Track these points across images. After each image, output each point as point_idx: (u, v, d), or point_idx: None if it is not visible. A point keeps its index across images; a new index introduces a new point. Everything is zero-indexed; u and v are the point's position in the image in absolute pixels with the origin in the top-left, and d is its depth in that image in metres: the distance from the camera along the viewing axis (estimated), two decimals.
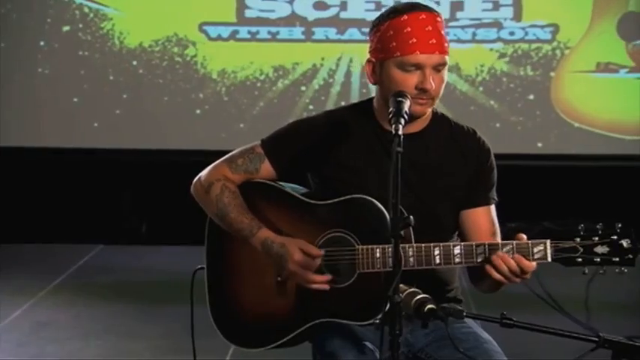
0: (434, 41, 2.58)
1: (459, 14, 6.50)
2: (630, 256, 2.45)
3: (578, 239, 2.48)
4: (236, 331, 2.78)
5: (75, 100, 6.66)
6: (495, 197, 2.77)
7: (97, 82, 6.65)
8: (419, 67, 2.58)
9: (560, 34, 6.53)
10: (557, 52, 6.55)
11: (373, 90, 2.73)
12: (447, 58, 2.61)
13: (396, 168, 2.28)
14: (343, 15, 6.54)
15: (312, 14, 6.54)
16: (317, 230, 2.66)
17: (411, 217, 2.26)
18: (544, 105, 6.59)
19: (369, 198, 2.60)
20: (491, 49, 6.54)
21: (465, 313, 2.42)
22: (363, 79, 6.46)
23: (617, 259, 2.46)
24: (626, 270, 2.47)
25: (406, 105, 2.50)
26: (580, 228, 2.49)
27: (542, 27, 6.52)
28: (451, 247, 2.56)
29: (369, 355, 2.59)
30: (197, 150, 6.60)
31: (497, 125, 6.43)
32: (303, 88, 6.59)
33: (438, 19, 2.61)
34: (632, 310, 5.28)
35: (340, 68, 6.55)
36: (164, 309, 5.22)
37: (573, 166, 6.62)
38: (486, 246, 2.54)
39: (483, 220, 2.73)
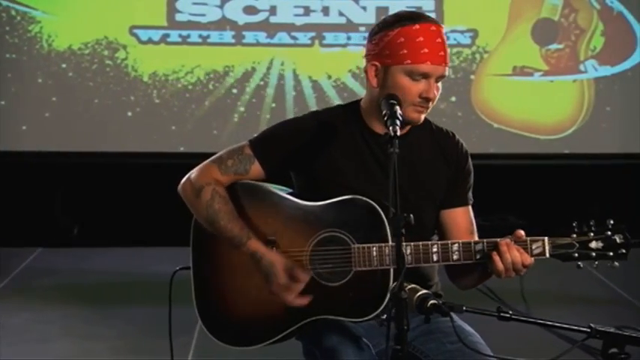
0: (442, 53, 2.66)
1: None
2: (623, 250, 2.58)
3: (574, 235, 2.59)
4: (226, 330, 2.77)
5: (2, 103, 6.54)
6: (472, 198, 2.87)
7: (24, 85, 6.54)
8: (426, 76, 2.64)
9: (479, 38, 6.70)
10: (477, 55, 6.72)
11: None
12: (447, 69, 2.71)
13: (394, 169, 2.33)
14: (273, 19, 6.59)
15: (243, 18, 6.58)
16: (310, 230, 2.69)
17: (411, 215, 2.30)
18: (465, 106, 6.75)
19: (364, 198, 2.62)
20: None
21: (464, 308, 2.44)
22: (293, 81, 6.55)
23: (611, 253, 2.58)
24: (617, 264, 2.60)
25: (398, 107, 2.56)
26: (574, 225, 2.60)
27: (462, 32, 6.69)
28: (449, 245, 2.61)
29: (366, 350, 2.62)
30: (129, 152, 6.62)
31: None
32: (235, 91, 6.61)
33: (444, 31, 2.68)
34: (564, 299, 5.45)
35: (270, 71, 6.58)
36: (117, 310, 5.20)
37: (493, 164, 6.73)
38: (485, 243, 2.60)
39: (462, 219, 2.82)
